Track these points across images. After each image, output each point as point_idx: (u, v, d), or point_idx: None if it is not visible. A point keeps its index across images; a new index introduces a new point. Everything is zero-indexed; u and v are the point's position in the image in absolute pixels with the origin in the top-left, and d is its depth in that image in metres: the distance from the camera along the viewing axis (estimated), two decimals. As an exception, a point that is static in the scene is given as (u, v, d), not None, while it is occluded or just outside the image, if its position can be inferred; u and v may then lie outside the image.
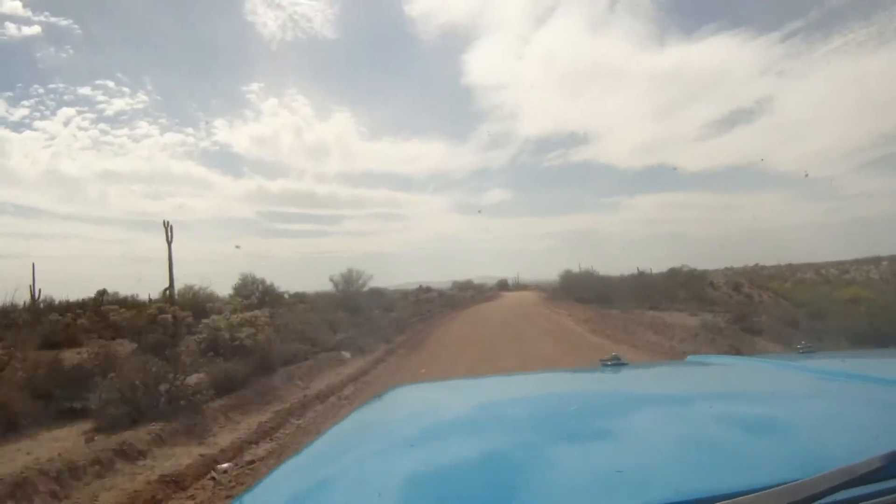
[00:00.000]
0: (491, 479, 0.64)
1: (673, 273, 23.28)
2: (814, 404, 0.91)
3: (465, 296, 43.38)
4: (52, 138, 37.64)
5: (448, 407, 1.11)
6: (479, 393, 1.25)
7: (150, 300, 16.05)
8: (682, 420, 0.85)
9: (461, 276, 48.80)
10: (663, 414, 0.91)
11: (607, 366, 1.36)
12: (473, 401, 1.16)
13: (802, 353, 1.40)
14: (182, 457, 4.76)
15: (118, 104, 39.15)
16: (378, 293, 23.86)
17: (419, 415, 1.07)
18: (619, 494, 0.57)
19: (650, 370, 1.59)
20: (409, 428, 0.95)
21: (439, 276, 42.66)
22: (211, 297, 19.30)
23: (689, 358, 1.60)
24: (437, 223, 60.99)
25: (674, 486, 0.56)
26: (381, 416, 1.07)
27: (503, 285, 78.46)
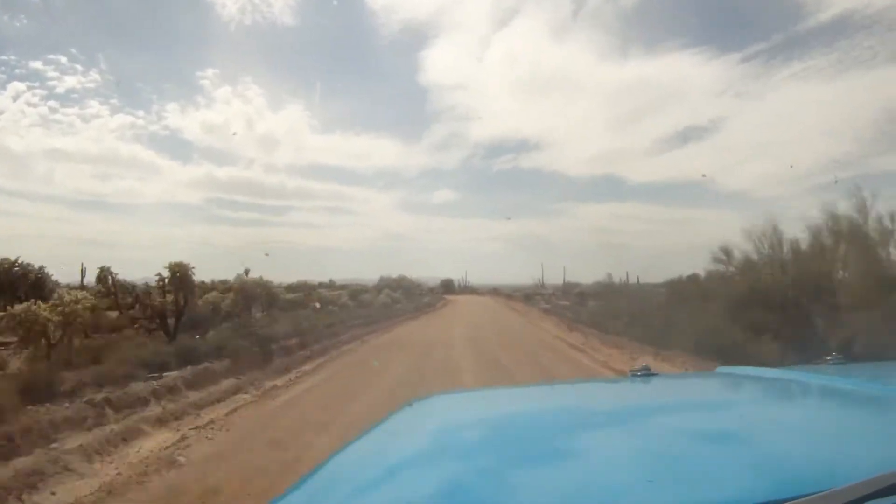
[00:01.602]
0: (520, 489, 0.64)
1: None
2: (842, 415, 0.92)
3: (371, 304, 21.44)
4: (0, 113, 33.79)
5: (477, 416, 1.12)
6: (508, 403, 1.26)
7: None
8: (712, 430, 0.85)
9: (409, 275, 38.01)
10: (693, 424, 0.91)
11: (637, 376, 1.29)
12: (502, 410, 1.16)
13: (832, 364, 1.35)
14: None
15: (70, 81, 35.54)
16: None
17: (449, 424, 1.06)
18: (651, 503, 0.59)
19: (679, 381, 1.66)
20: (440, 438, 0.94)
21: (386, 273, 34.51)
22: None
23: (719, 369, 1.64)
24: (386, 220, 60.67)
25: (704, 494, 0.58)
26: (411, 425, 1.06)
27: (448, 287, 58.94)
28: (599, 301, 20.93)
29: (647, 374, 1.29)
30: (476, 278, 57.32)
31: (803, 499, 0.50)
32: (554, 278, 38.13)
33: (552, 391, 1.47)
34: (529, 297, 44.05)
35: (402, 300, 27.37)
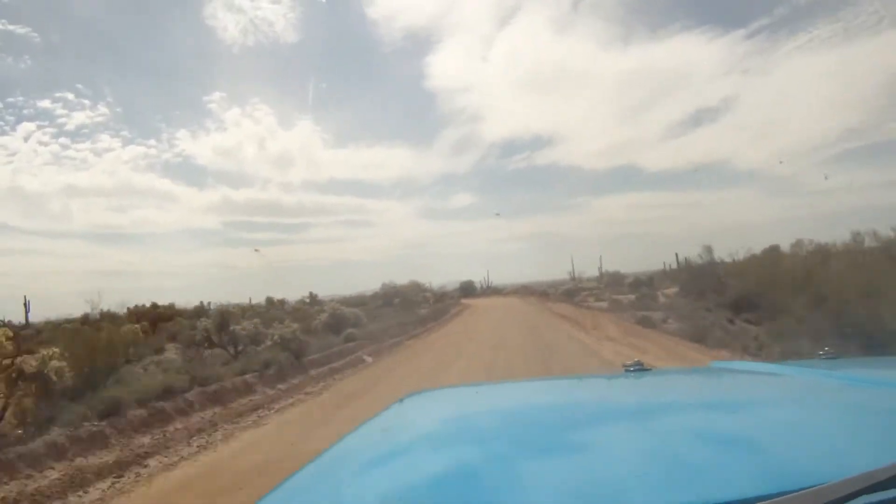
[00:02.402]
0: (510, 484, 0.64)
1: None
2: (836, 410, 0.90)
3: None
4: (13, 154, 32.95)
5: (469, 412, 1.09)
6: (501, 398, 1.25)
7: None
8: (706, 425, 0.85)
9: (428, 280, 33.71)
10: (686, 419, 0.90)
11: (630, 371, 1.28)
12: (495, 406, 1.15)
13: (825, 358, 1.34)
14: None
15: (79, 117, 34.38)
16: None
17: (441, 420, 1.04)
18: (643, 499, 0.58)
19: (673, 376, 1.60)
20: (431, 433, 0.93)
21: (403, 280, 30.04)
22: None
23: (713, 364, 1.63)
24: (404, 229, 58.97)
25: (696, 490, 0.58)
26: (403, 421, 1.04)
27: (468, 289, 49.61)
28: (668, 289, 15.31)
29: (641, 368, 1.28)
30: (499, 278, 52.10)
31: (797, 493, 0.50)
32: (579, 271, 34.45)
33: (544, 386, 1.44)
34: (571, 293, 32.01)
35: (364, 320, 15.43)
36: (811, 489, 0.50)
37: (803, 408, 0.93)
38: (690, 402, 1.06)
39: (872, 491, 0.51)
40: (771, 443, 0.72)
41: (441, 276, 52.03)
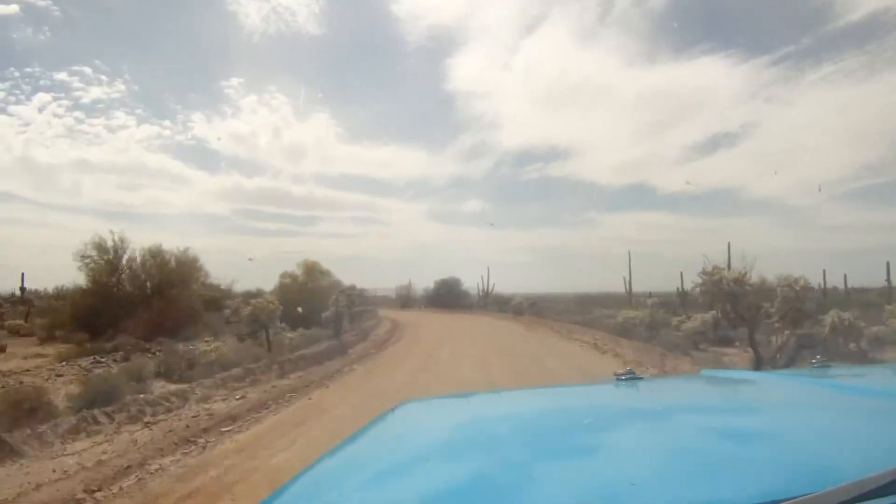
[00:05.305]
0: (504, 494, 0.64)
1: None
2: (827, 418, 0.91)
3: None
4: (27, 124, 38.37)
5: (462, 422, 1.11)
6: (494, 407, 1.26)
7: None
8: (696, 434, 0.86)
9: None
10: (677, 428, 0.91)
11: (622, 380, 1.28)
12: (487, 415, 1.16)
13: (816, 367, 1.38)
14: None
15: (95, 92, 39.77)
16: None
17: (433, 429, 1.05)
18: (643, 502, 0.59)
19: (664, 384, 1.63)
20: (422, 443, 0.94)
21: (413, 281, 36.34)
22: None
23: (703, 372, 1.62)
24: (414, 230, 50.68)
25: (687, 499, 0.58)
26: (395, 431, 1.05)
27: (447, 296, 34.95)
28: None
29: (633, 377, 1.27)
30: (506, 287, 38.91)
31: (792, 501, 0.51)
32: (583, 287, 28.43)
33: (536, 395, 1.42)
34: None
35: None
36: (805, 497, 0.51)
37: (795, 416, 0.93)
38: (683, 410, 1.06)
39: (865, 499, 0.50)
40: (766, 450, 0.73)
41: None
